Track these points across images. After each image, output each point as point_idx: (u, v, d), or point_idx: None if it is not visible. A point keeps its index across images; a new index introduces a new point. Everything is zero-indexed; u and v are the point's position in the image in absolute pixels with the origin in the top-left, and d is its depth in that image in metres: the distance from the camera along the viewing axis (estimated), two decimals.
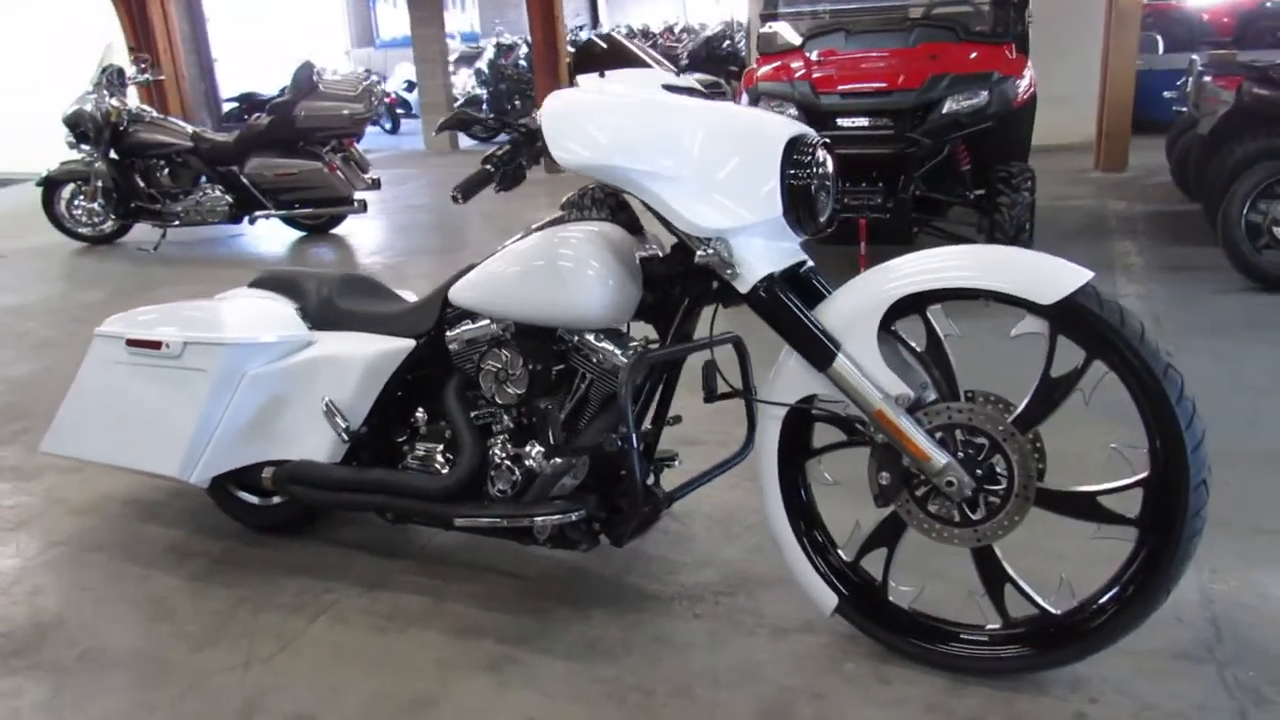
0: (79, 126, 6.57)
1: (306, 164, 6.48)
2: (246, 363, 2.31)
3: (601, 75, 1.97)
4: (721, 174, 1.88)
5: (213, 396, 2.30)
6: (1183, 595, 2.13)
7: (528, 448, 2.14)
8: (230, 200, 6.62)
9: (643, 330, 2.16)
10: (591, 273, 2.03)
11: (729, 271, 1.88)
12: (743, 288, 1.89)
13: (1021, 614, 1.91)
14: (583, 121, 1.84)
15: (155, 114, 6.92)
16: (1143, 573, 1.78)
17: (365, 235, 7.17)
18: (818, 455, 2.06)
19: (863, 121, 4.39)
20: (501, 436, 2.19)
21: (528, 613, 2.25)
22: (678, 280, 2.07)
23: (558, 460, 2.08)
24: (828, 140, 1.96)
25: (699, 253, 1.87)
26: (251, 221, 6.84)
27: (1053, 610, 1.88)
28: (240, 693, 2.04)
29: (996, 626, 1.94)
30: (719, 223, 1.85)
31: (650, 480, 2.29)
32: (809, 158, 1.88)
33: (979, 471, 1.85)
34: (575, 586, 2.35)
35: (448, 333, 2.28)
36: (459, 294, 2.19)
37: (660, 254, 2.09)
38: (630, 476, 1.93)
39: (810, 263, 2.06)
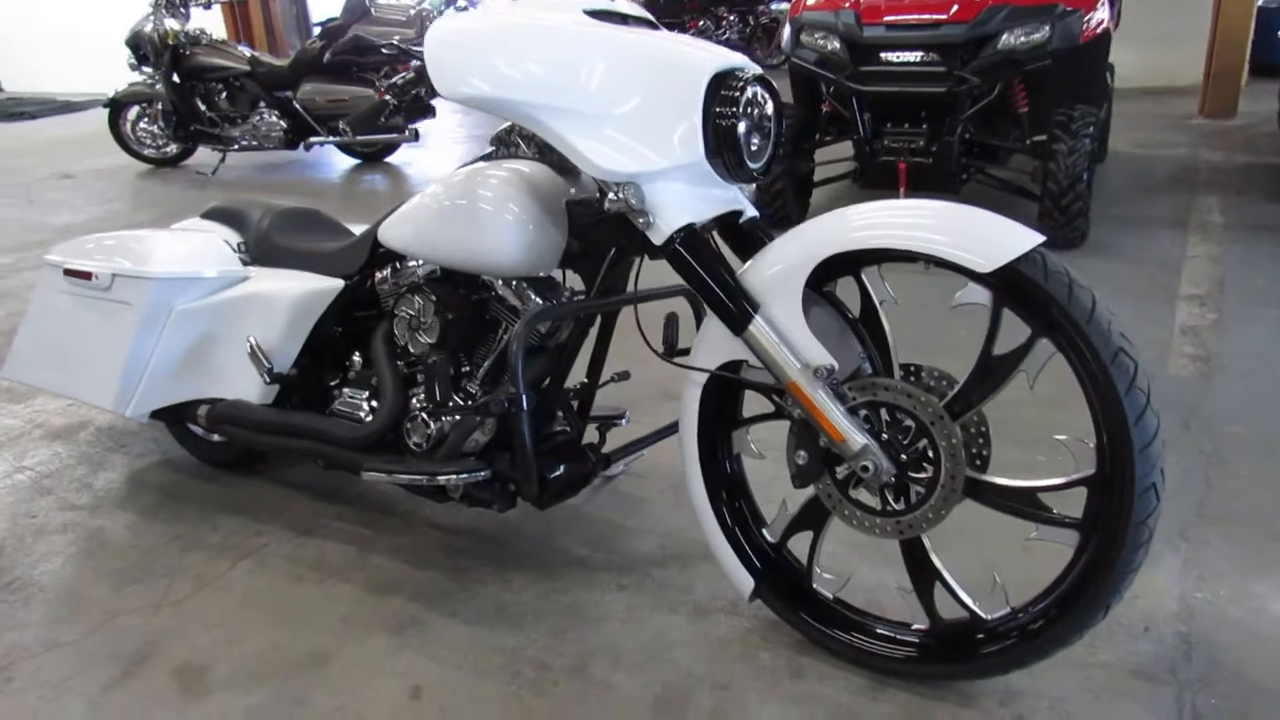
0: (139, 49, 6.64)
1: (358, 90, 6.41)
2: (174, 298, 2.24)
3: None
4: (633, 112, 1.68)
5: (140, 331, 2.24)
6: (1158, 603, 1.90)
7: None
8: (285, 126, 6.62)
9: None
10: (509, 216, 1.87)
11: (641, 220, 1.70)
12: (657, 239, 1.71)
13: (952, 616, 1.72)
14: (469, 51, 1.65)
15: (213, 37, 6.93)
16: (1081, 583, 1.55)
17: (422, 164, 7.11)
18: (746, 426, 1.88)
19: (909, 56, 4.05)
20: (422, 388, 2.07)
21: (448, 571, 2.15)
22: (600, 227, 1.89)
23: (472, 417, 1.95)
24: (763, 74, 1.74)
25: (608, 198, 1.69)
26: (306, 148, 6.84)
27: (983, 615, 1.68)
28: (143, 635, 2.00)
29: (923, 627, 1.74)
30: (628, 166, 1.66)
31: (590, 439, 2.15)
32: (738, 94, 1.67)
33: (904, 457, 1.64)
34: (504, 546, 2.23)
35: (377, 275, 2.16)
36: (385, 233, 2.06)
37: (593, 198, 1.91)
38: (519, 440, 1.78)
39: (753, 213, 1.86)
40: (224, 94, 6.76)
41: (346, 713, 1.76)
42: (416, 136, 6.69)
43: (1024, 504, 1.60)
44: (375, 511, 2.38)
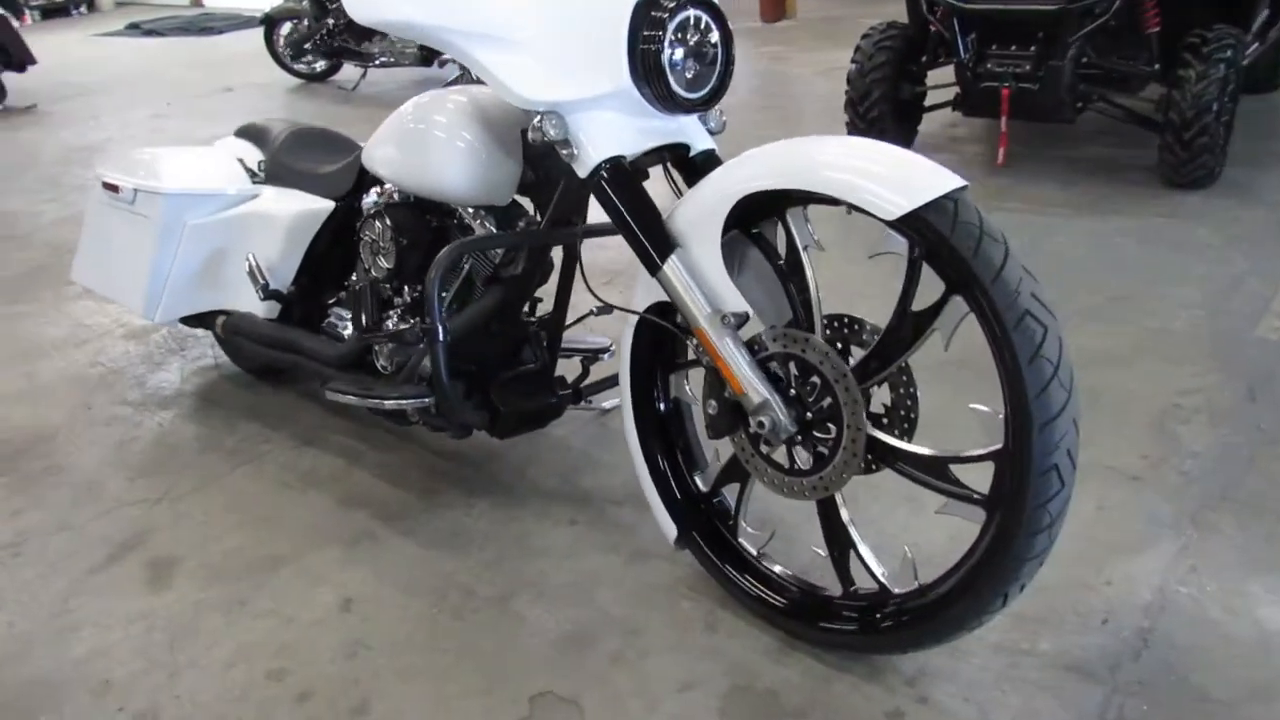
0: None
1: None
2: (186, 213, 2.35)
3: None
4: (555, 37, 1.61)
5: (159, 243, 2.37)
6: (1131, 591, 1.73)
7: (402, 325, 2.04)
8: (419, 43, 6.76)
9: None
10: (461, 144, 1.85)
11: (565, 152, 1.64)
12: (581, 171, 1.64)
13: (865, 587, 1.62)
14: None
15: None
16: (982, 566, 1.42)
17: None
18: (682, 370, 1.81)
19: None
20: (395, 311, 2.10)
21: (419, 491, 2.21)
22: (552, 157, 1.84)
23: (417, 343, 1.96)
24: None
25: (529, 128, 1.63)
26: (440, 65, 6.96)
27: (892, 589, 1.57)
28: (136, 526, 2.17)
29: (835, 594, 1.65)
30: (548, 94, 1.60)
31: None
32: (667, 17, 1.56)
33: (809, 415, 1.54)
34: (480, 471, 2.27)
35: (364, 198, 2.19)
36: (365, 156, 2.08)
37: None
38: (435, 370, 1.78)
39: (706, 146, 1.75)
40: None
41: (278, 616, 1.85)
42: None
43: (933, 475, 1.47)
44: (376, 428, 2.46)
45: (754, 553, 1.76)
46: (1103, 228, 3.39)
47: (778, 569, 1.73)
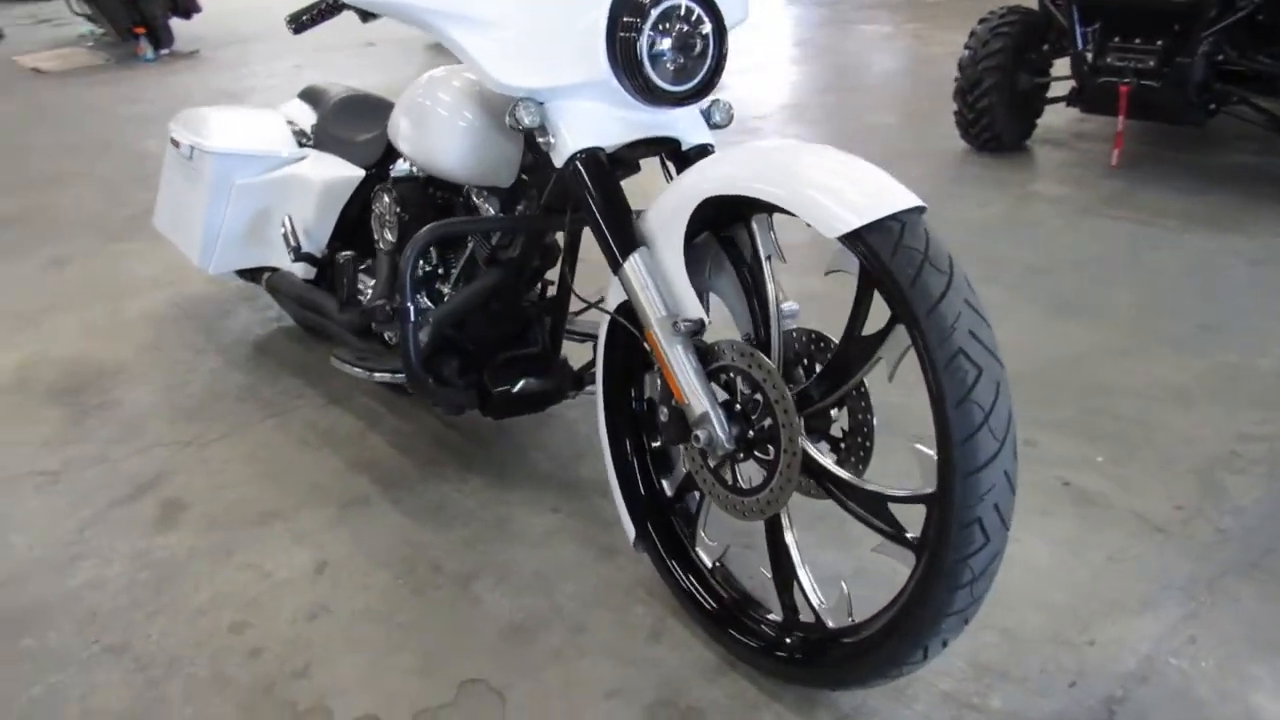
0: None
1: None
2: (234, 172, 2.44)
3: None
4: (534, 22, 1.57)
5: (211, 199, 2.47)
6: (1115, 654, 1.59)
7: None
8: None
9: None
10: (462, 123, 1.85)
11: (542, 140, 1.61)
12: (557, 160, 1.61)
13: (806, 616, 1.54)
14: None
15: None
16: (903, 615, 1.33)
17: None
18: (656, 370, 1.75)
19: None
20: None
21: (421, 461, 2.25)
22: None
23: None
24: None
25: (507, 114, 1.61)
26: None
27: (828, 623, 1.49)
28: (161, 466, 2.29)
29: (777, 619, 1.58)
30: (524, 80, 1.57)
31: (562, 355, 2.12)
32: (648, 5, 1.50)
33: (751, 433, 1.47)
34: (484, 448, 2.28)
35: (391, 168, 2.22)
36: (389, 128, 2.10)
37: None
38: (404, 350, 1.79)
39: (700, 141, 1.68)
40: None
41: (257, 570, 1.93)
42: None
43: (870, 509, 1.38)
44: (402, 395, 2.52)
45: (709, 564, 1.70)
46: (1213, 246, 3.09)
47: (731, 582, 1.67)
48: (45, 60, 8.25)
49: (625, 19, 1.50)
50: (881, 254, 1.24)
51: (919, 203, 1.27)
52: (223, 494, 2.18)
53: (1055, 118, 4.24)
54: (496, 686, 1.62)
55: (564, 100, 1.58)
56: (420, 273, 2.11)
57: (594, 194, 1.57)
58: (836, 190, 1.29)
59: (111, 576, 1.93)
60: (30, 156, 5.20)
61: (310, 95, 2.64)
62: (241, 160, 2.44)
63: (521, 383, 2.02)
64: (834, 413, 1.48)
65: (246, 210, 2.49)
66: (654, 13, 1.50)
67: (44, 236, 3.94)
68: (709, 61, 1.58)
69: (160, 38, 8.04)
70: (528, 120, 1.57)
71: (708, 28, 1.56)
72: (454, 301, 1.95)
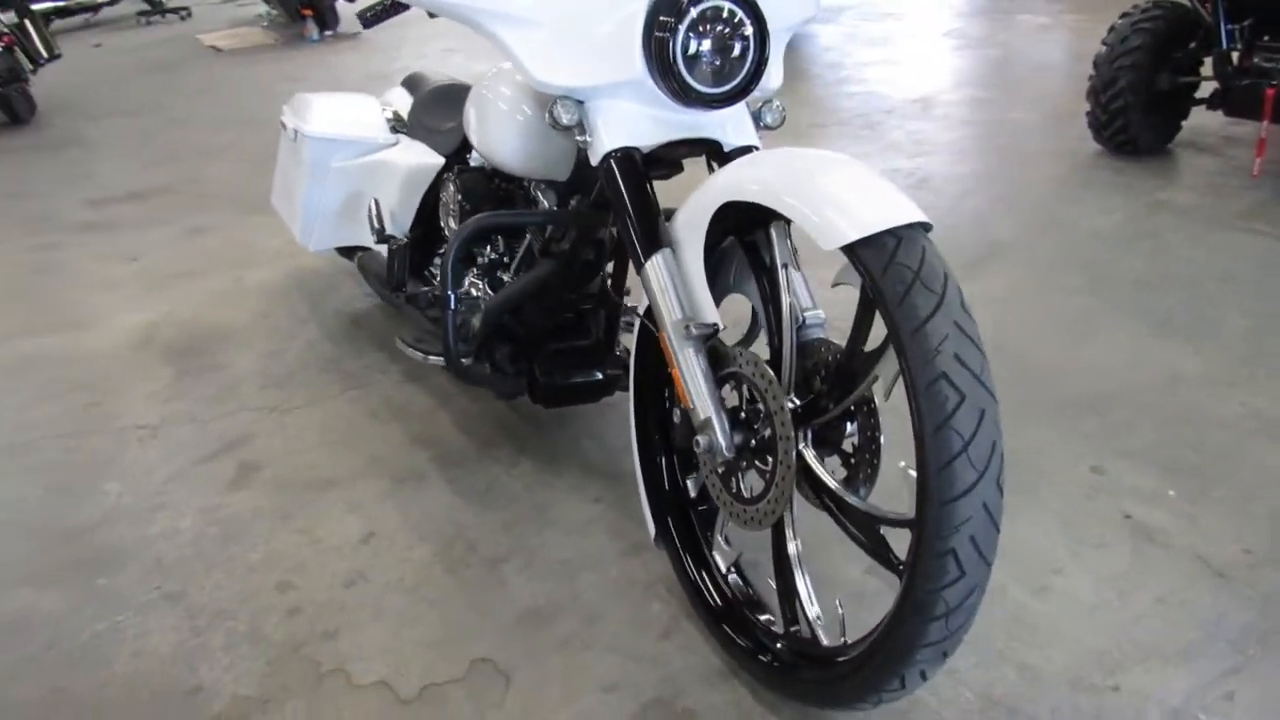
0: None
1: None
2: (330, 156, 2.57)
3: None
4: (574, 20, 1.59)
5: (311, 180, 2.61)
6: (1137, 704, 1.50)
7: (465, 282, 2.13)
8: None
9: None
10: (520, 117, 1.89)
11: (580, 138, 1.63)
12: (593, 159, 1.63)
13: (806, 629, 1.52)
14: None
15: None
16: (883, 641, 1.29)
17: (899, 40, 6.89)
18: None
19: None
20: (470, 271, 2.20)
21: (480, 441, 2.32)
22: None
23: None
24: None
25: (547, 111, 1.64)
26: None
27: (822, 639, 1.46)
28: (245, 429, 2.45)
29: (774, 626, 1.56)
30: (562, 78, 1.59)
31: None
32: (685, 6, 1.49)
33: (752, 442, 1.45)
34: (541, 432, 2.34)
35: (468, 157, 2.28)
36: (463, 117, 2.17)
37: None
38: (444, 336, 1.85)
39: (743, 142, 1.66)
40: None
41: (309, 535, 2.04)
42: None
43: (861, 529, 1.35)
44: None
45: (723, 568, 1.69)
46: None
47: (740, 585, 1.66)
48: (222, 39, 8.85)
49: (662, 18, 1.50)
50: (873, 270, 1.20)
51: (921, 218, 1.23)
52: (293, 459, 2.31)
53: (1207, 120, 3.94)
54: (504, 668, 1.66)
55: (602, 99, 1.60)
56: (486, 260, 2.18)
57: (624, 193, 1.58)
58: (840, 202, 1.26)
59: (183, 529, 2.09)
60: (191, 130, 5.61)
61: (410, 83, 2.74)
62: (337, 144, 2.57)
63: (571, 373, 2.06)
64: (849, 427, 1.45)
65: (341, 192, 2.62)
66: (691, 13, 1.49)
67: (189, 206, 4.26)
68: (748, 64, 1.56)
69: (326, 20, 8.49)
70: (566, 119, 1.60)
71: (749, 29, 1.53)
72: (507, 290, 2.01)
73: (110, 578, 1.95)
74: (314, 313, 3.08)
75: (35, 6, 9.36)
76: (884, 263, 1.20)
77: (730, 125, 1.66)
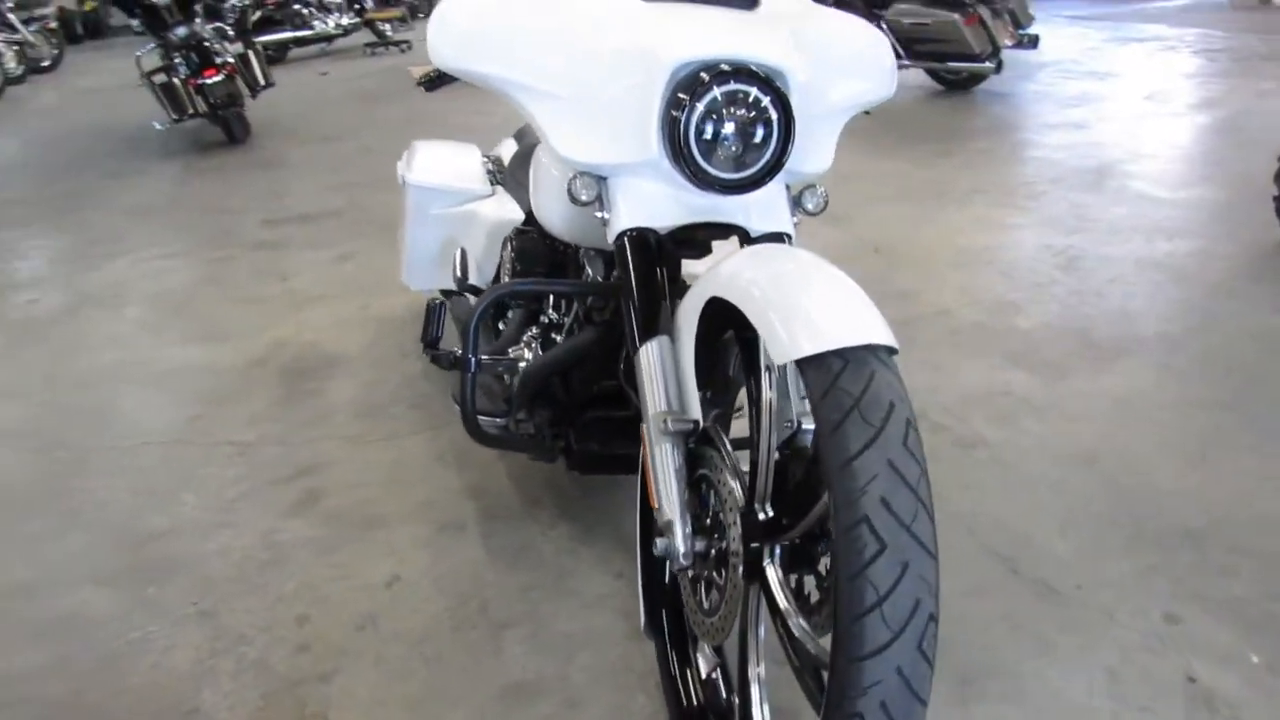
0: None
1: (941, 15, 6.12)
2: (430, 202, 2.66)
3: None
4: (596, 97, 1.57)
5: (413, 224, 2.72)
6: None
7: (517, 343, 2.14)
8: None
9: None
10: (563, 185, 1.89)
11: (599, 215, 1.61)
12: (609, 235, 1.61)
13: None
14: (460, 17, 1.66)
15: None
16: None
17: (1015, 99, 6.56)
18: None
19: None
20: (528, 330, 2.21)
21: (527, 499, 2.32)
22: None
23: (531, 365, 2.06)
24: (758, 68, 1.45)
25: (566, 187, 1.63)
26: None
27: None
28: (319, 457, 2.57)
29: None
30: (583, 154, 1.58)
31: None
32: (702, 89, 1.45)
33: (713, 552, 1.37)
34: (588, 496, 2.32)
35: None
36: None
37: None
38: (460, 397, 1.85)
39: (770, 229, 1.60)
40: None
41: (341, 571, 2.10)
42: (999, 69, 6.20)
43: (803, 664, 1.24)
44: None
45: (704, 673, 1.61)
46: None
47: (714, 694, 1.58)
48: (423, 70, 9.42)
49: (679, 97, 1.46)
50: (814, 392, 1.11)
51: (882, 341, 1.12)
52: (354, 492, 2.40)
53: None
54: None
55: (623, 177, 1.57)
56: (545, 321, 2.19)
57: (630, 275, 1.54)
58: (803, 314, 1.17)
59: (235, 548, 2.20)
60: (377, 158, 6.00)
61: (518, 135, 2.81)
62: (436, 193, 2.66)
63: (608, 442, 2.03)
64: (821, 548, 1.34)
65: (437, 237, 2.71)
66: (707, 95, 1.44)
67: (347, 232, 4.54)
68: (770, 151, 1.49)
69: None
70: (584, 195, 1.58)
71: (774, 114, 1.47)
72: (547, 355, 2.00)
73: (159, 588, 2.09)
74: (417, 347, 3.19)
75: (278, 36, 10.35)
76: (825, 386, 1.10)
77: (759, 210, 1.59)
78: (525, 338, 2.18)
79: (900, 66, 6.68)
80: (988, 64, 6.15)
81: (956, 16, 6.06)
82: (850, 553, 1.04)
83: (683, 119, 1.44)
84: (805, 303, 1.19)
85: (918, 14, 6.25)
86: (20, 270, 4.43)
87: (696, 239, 1.64)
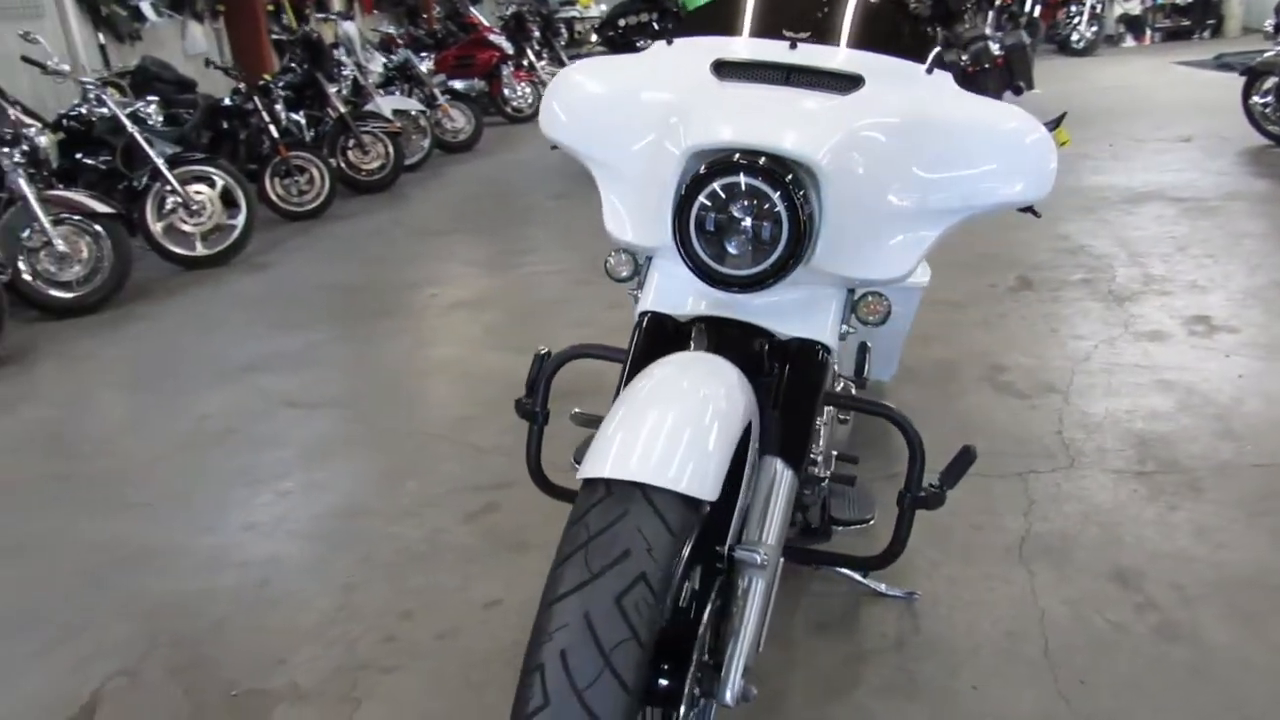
0: None
1: None
2: None
3: (670, 42, 1.68)
4: (641, 180, 1.57)
5: None
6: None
7: None
8: None
9: None
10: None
11: (631, 293, 1.62)
12: (635, 314, 1.60)
13: None
14: (563, 95, 1.70)
15: None
16: None
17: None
18: None
19: None
20: None
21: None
22: None
23: None
24: (749, 163, 1.34)
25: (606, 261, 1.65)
26: None
27: None
28: (521, 474, 2.77)
29: None
30: (618, 233, 1.60)
31: None
32: (704, 180, 1.38)
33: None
34: None
35: None
36: None
37: None
38: (528, 449, 1.89)
39: (802, 337, 1.49)
40: None
41: (465, 583, 2.27)
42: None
43: None
44: None
45: None
46: None
47: None
48: None
49: (690, 186, 1.40)
50: (570, 516, 1.03)
51: (686, 490, 1.01)
52: (522, 515, 2.53)
53: None
54: None
55: (660, 260, 1.57)
56: None
57: (634, 350, 1.54)
58: (626, 438, 1.10)
59: (409, 537, 2.49)
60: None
61: None
62: None
63: None
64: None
65: None
66: (708, 187, 1.37)
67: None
68: (776, 254, 1.36)
69: None
70: (622, 272, 1.61)
71: (783, 215, 1.34)
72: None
73: (334, 554, 2.44)
74: (492, 411, 3.26)
75: None
76: (578, 513, 1.02)
77: (792, 313, 1.48)
78: None
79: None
80: None
81: None
82: (518, 699, 0.95)
83: (686, 208, 1.38)
84: (640, 429, 1.10)
85: None
86: (442, 269, 5.27)
87: (728, 334, 1.55)
